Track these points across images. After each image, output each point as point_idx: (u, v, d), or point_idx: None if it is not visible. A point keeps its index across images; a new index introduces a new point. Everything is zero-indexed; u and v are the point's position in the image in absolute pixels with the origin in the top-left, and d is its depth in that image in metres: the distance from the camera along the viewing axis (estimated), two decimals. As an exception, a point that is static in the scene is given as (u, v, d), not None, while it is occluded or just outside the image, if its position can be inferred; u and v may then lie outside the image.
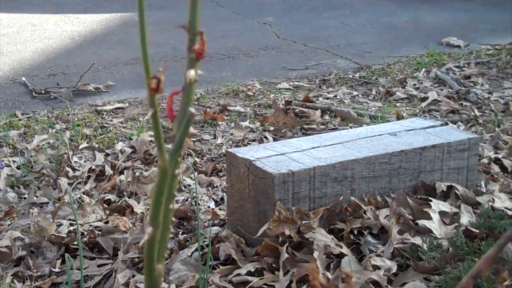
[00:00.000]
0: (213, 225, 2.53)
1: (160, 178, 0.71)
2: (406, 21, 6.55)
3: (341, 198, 2.25)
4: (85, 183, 3.02)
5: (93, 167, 3.15)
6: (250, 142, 3.53)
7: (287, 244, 2.11)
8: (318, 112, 3.95)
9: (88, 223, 2.59)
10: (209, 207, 2.77)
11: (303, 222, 2.14)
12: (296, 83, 4.65)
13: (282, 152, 2.32)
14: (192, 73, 0.68)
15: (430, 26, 6.42)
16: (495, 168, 3.05)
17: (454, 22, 6.56)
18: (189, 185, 2.97)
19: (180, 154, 0.71)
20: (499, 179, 2.89)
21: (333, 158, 2.27)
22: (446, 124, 2.84)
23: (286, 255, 2.08)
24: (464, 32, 6.13)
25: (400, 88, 4.58)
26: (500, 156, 3.18)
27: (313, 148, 2.37)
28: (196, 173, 3.01)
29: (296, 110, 3.96)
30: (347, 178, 2.28)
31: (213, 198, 2.87)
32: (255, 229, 2.19)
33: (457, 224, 2.25)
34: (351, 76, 4.83)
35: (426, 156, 2.44)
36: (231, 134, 3.65)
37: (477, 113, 4.03)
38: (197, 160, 3.30)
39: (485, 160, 3.11)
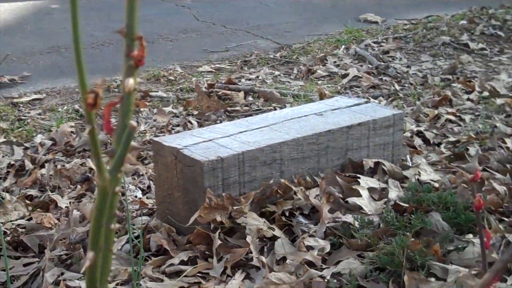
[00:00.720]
0: (141, 215, 2.47)
1: (100, 198, 0.67)
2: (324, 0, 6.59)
3: (271, 181, 2.24)
4: (5, 179, 2.91)
5: (12, 162, 3.04)
6: (174, 128, 3.48)
7: (219, 231, 2.09)
8: (241, 94, 3.93)
9: (11, 221, 2.49)
10: (136, 196, 2.72)
11: (234, 207, 2.12)
12: (217, 65, 4.61)
13: (210, 138, 2.29)
14: (131, 81, 0.63)
15: (348, 3, 6.48)
16: (418, 141, 3.10)
17: (370, -1, 6.64)
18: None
19: (120, 171, 0.66)
20: (423, 151, 2.95)
21: (261, 142, 2.26)
22: (369, 101, 2.86)
23: (219, 242, 2.05)
24: (380, 8, 6.22)
25: (321, 66, 4.60)
26: (422, 129, 3.24)
27: (241, 132, 2.35)
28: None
29: (219, 93, 3.93)
30: (276, 160, 2.27)
31: (139, 187, 2.82)
32: (186, 218, 2.15)
33: (386, 199, 2.28)
34: (272, 56, 4.82)
35: (352, 134, 2.45)
36: (154, 120, 3.58)
37: (397, 87, 4.10)
38: (122, 149, 3.22)
39: (408, 134, 3.16)
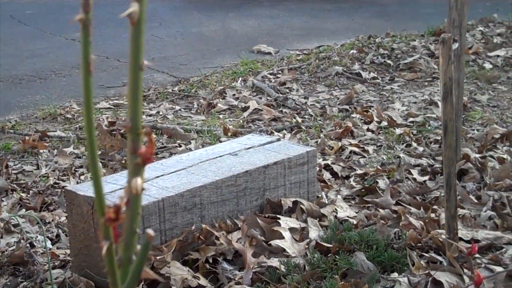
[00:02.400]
0: (53, 268, 2.35)
1: None
2: (215, 31, 6.60)
3: (193, 227, 2.18)
4: None
5: None
6: (77, 169, 3.36)
7: (142, 283, 2.01)
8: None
9: None
10: (45, 247, 2.58)
11: (157, 257, 2.05)
12: (115, 101, 4.50)
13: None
14: (138, 181, 0.58)
15: (239, 34, 6.53)
16: (327, 175, 3.14)
17: (261, 29, 6.71)
18: (19, 225, 2.75)
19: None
20: (333, 185, 2.98)
21: (181, 186, 2.20)
22: (281, 138, 2.87)
23: (143, 294, 1.98)
24: (272, 39, 6.30)
25: (220, 100, 4.59)
26: (329, 162, 3.28)
27: (158, 177, 2.29)
28: (24, 210, 2.80)
29: (122, 131, 3.82)
30: (196, 205, 2.22)
31: (48, 237, 2.68)
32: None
33: (308, 240, 2.27)
34: (170, 90, 4.77)
35: (269, 173, 2.44)
36: (56, 162, 3.44)
37: (299, 120, 4.14)
38: (23, 195, 3.07)
39: (317, 168, 3.19)
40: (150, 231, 0.59)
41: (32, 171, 3.35)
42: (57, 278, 2.22)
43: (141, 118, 0.57)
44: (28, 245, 2.54)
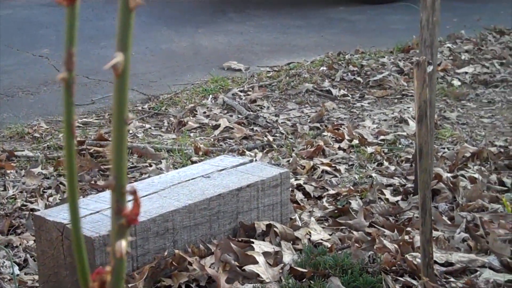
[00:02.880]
0: (21, 295, 2.29)
1: None
2: (185, 47, 6.57)
3: (165, 252, 2.14)
4: None
5: None
6: (45, 190, 3.29)
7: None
8: (114, 151, 3.79)
9: None
10: (12, 273, 2.52)
11: (129, 285, 2.01)
12: (84, 119, 4.44)
13: (97, 209, 2.17)
14: (123, 244, 0.54)
15: (209, 50, 6.50)
16: (299, 195, 3.12)
17: (231, 46, 6.69)
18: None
19: None
20: (305, 206, 2.96)
21: (153, 211, 2.17)
22: (253, 159, 2.84)
23: (114, 323, 1.93)
24: (242, 55, 6.28)
25: (191, 117, 4.56)
26: (301, 182, 3.26)
27: (129, 201, 2.24)
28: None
29: (91, 150, 3.77)
30: (168, 230, 2.18)
31: (15, 261, 2.62)
32: (76, 298, 2.01)
33: (282, 264, 2.25)
34: (140, 108, 4.72)
35: (242, 196, 2.42)
36: (23, 183, 3.37)
37: (270, 138, 4.13)
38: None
39: (289, 189, 3.17)
40: None
41: (-2, 193, 3.28)
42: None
43: (126, 176, 0.54)
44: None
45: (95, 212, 2.14)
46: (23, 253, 2.66)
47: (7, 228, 2.89)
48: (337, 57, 6.15)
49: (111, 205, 0.55)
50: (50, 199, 3.18)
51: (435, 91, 3.03)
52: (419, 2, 2.88)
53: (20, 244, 2.73)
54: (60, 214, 2.12)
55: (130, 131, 4.24)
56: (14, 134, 4.12)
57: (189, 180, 2.46)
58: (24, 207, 3.10)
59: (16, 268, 2.56)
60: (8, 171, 3.52)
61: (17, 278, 2.42)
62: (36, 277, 2.33)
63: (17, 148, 3.89)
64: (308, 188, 3.19)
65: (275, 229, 2.43)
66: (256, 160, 2.93)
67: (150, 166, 3.64)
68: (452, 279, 2.16)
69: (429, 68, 1.93)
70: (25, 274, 2.48)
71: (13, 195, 3.24)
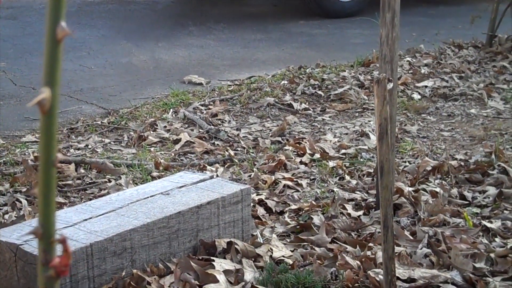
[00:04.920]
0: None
1: None
2: (145, 61, 6.51)
3: (123, 272, 2.09)
4: None
5: None
6: (1, 208, 3.20)
7: (70, 334, 1.90)
8: (72, 166, 3.72)
9: None
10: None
11: (86, 306, 1.95)
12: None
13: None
14: None
15: (169, 64, 6.45)
16: (261, 210, 3.08)
17: (191, 59, 6.66)
18: None
19: None
20: (267, 221, 2.93)
21: (110, 230, 2.11)
22: (214, 176, 2.80)
23: None
24: (203, 69, 6.25)
25: (151, 132, 4.50)
26: (263, 197, 3.23)
27: (85, 220, 2.19)
28: None
29: (48, 167, 3.68)
30: (126, 249, 2.13)
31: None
32: (31, 322, 1.94)
33: (243, 282, 2.21)
34: (99, 122, 4.65)
35: (202, 213, 2.38)
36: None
37: (232, 152, 4.09)
38: None
39: (251, 206, 3.13)
40: None
41: (-50, 211, 3.18)
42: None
43: (54, 223, 0.49)
44: None
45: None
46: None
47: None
48: (298, 71, 6.15)
49: (38, 255, 0.51)
50: (6, 216, 3.09)
51: (396, 106, 3.03)
52: (379, 17, 2.88)
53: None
54: (13, 234, 2.05)
55: (89, 146, 4.16)
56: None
57: (148, 197, 2.41)
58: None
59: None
60: (-38, 188, 3.42)
61: (-30, 300, 2.34)
62: (-11, 299, 2.25)
63: None
64: (270, 203, 3.16)
65: (236, 246, 2.39)
66: (217, 176, 2.89)
67: (110, 181, 3.57)
68: (414, 296, 2.15)
69: (389, 85, 1.92)
70: (-22, 296, 2.40)
71: None
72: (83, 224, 2.15)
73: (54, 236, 0.50)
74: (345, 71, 6.07)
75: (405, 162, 3.86)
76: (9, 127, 4.47)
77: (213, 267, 2.24)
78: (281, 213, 3.09)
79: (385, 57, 2.87)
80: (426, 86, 5.67)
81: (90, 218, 2.20)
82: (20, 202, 3.22)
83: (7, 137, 4.29)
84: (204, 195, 2.43)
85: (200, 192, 2.46)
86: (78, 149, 4.13)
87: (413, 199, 2.99)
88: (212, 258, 2.30)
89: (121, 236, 2.10)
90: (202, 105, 5.09)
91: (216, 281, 2.17)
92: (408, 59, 6.45)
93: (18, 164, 3.78)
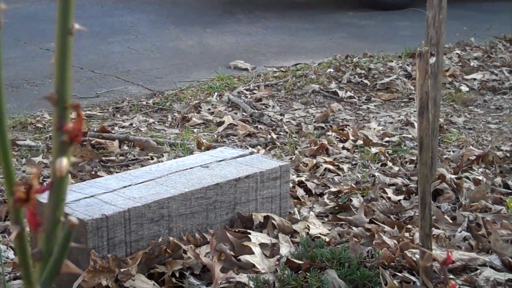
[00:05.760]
0: (15, 279, 2.26)
1: None
2: (192, 45, 6.55)
3: (160, 239, 2.11)
4: None
5: None
6: (45, 179, 3.26)
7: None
8: (116, 143, 3.76)
9: None
10: (7, 257, 2.49)
11: (121, 270, 1.97)
12: (88, 112, 4.42)
13: (92, 194, 2.13)
14: (64, 162, 0.51)
15: (216, 50, 6.47)
16: (300, 192, 3.07)
17: (238, 46, 6.67)
18: (-19, 234, 2.65)
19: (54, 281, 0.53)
20: (306, 202, 2.92)
21: (148, 197, 2.13)
22: (253, 152, 2.80)
23: (105, 308, 1.90)
24: (249, 55, 6.26)
25: (195, 114, 4.53)
26: (303, 179, 3.22)
27: (125, 187, 2.21)
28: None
29: (93, 142, 3.74)
30: (163, 217, 2.14)
31: (11, 247, 2.59)
32: (68, 282, 1.98)
33: (278, 256, 2.21)
34: (144, 102, 4.69)
35: (240, 187, 2.38)
36: (24, 172, 3.34)
37: (274, 136, 4.09)
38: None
39: (290, 184, 3.13)
40: (72, 218, 0.52)
41: (-2, 180, 3.26)
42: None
43: (70, 90, 0.50)
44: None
45: (90, 196, 2.11)
46: (18, 239, 2.63)
47: (5, 214, 2.86)
48: (344, 60, 6.12)
49: (53, 121, 0.51)
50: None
51: (441, 90, 2.99)
52: (428, 4, 2.84)
53: (16, 230, 2.70)
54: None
55: (133, 125, 4.21)
56: (17, 124, 4.10)
57: (187, 169, 2.42)
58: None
59: (11, 252, 2.53)
60: (8, 160, 3.49)
61: (12, 262, 2.39)
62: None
63: (19, 137, 3.86)
64: (310, 185, 3.15)
65: (273, 221, 2.39)
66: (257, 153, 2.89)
67: (152, 159, 3.60)
68: (451, 276, 2.12)
69: (432, 60, 1.89)
70: (19, 259, 2.45)
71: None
72: (122, 190, 2.18)
73: (69, 102, 0.50)
74: (392, 61, 6.01)
75: (449, 151, 3.80)
76: (57, 104, 4.53)
77: (249, 239, 2.25)
78: (321, 195, 3.08)
79: (431, 39, 2.83)
80: (474, 79, 5.58)
81: (130, 185, 2.23)
82: (64, 174, 3.27)
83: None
84: (242, 169, 2.43)
85: (239, 167, 2.47)
86: (123, 127, 4.17)
87: (455, 186, 2.95)
88: (248, 231, 2.30)
89: (159, 203, 2.12)
90: (246, 89, 5.10)
91: (251, 253, 2.18)
92: (458, 51, 6.36)
93: (63, 139, 3.84)
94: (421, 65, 1.87)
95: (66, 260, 0.53)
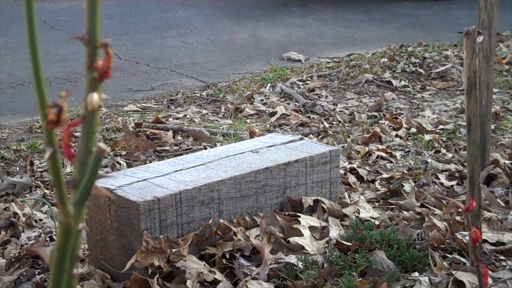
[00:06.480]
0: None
1: (62, 238, 0.57)
2: (245, 38, 6.59)
3: (210, 221, 2.15)
4: None
5: None
6: (102, 169, 3.34)
7: (157, 276, 1.98)
8: (170, 133, 3.83)
9: None
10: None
11: (173, 250, 2.02)
12: (143, 104, 4.51)
13: (144, 178, 2.19)
14: (95, 97, 0.55)
15: (269, 42, 6.51)
16: (352, 178, 3.08)
17: (291, 38, 6.68)
18: (41, 220, 2.75)
19: (86, 205, 0.57)
20: (358, 188, 2.92)
21: (198, 181, 2.17)
22: (304, 138, 2.82)
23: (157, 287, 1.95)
24: (302, 47, 6.27)
25: (248, 104, 4.56)
26: (355, 166, 3.22)
27: (176, 171, 2.26)
28: (49, 206, 2.79)
29: (147, 132, 3.82)
30: (214, 200, 2.18)
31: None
32: (121, 263, 2.04)
33: (327, 238, 2.22)
34: (198, 94, 4.76)
35: (290, 171, 2.40)
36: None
37: (326, 125, 4.10)
38: (47, 191, 3.07)
39: (341, 171, 3.14)
40: (102, 145, 0.56)
41: (57, 169, 3.35)
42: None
43: (99, 30, 0.54)
44: (48, 238, 2.53)
45: (142, 180, 2.17)
46: (76, 225, 2.71)
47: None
48: (399, 50, 6.07)
49: (84, 59, 0.55)
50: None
51: (493, 74, 2.95)
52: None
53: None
54: (108, 181, 2.15)
55: (187, 116, 4.27)
56: (75, 117, 4.21)
57: (237, 154, 2.46)
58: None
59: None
60: (67, 150, 3.59)
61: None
62: (86, 246, 2.37)
63: (77, 129, 3.96)
64: (362, 171, 3.15)
65: (322, 205, 2.41)
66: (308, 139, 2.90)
67: (205, 148, 3.65)
68: (502, 258, 2.10)
69: (479, 38, 1.87)
70: (76, 243, 2.53)
71: (70, 171, 3.31)
72: (173, 174, 2.23)
73: (99, 41, 0.54)
74: (448, 50, 5.93)
75: (505, 138, 3.74)
76: (113, 97, 4.65)
77: (299, 222, 2.27)
78: (372, 181, 3.07)
79: (483, 22, 2.80)
80: (532, 66, 5.47)
81: (181, 169, 2.28)
82: (120, 164, 3.35)
83: (111, 106, 4.47)
84: (292, 154, 2.46)
85: (288, 152, 2.49)
86: (177, 118, 4.24)
87: (509, 171, 2.91)
88: (298, 214, 2.33)
89: (209, 186, 2.16)
90: (299, 80, 5.12)
91: (301, 235, 2.20)
92: (516, 39, 6.24)
93: (119, 131, 3.93)
94: (468, 44, 1.86)
95: (97, 185, 0.57)
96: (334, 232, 2.27)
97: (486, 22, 2.81)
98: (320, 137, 3.84)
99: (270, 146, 2.56)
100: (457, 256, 2.11)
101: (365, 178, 3.10)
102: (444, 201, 2.67)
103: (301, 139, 2.70)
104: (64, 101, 0.53)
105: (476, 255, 0.85)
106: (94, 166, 0.55)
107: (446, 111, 4.47)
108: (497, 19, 2.89)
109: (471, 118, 1.90)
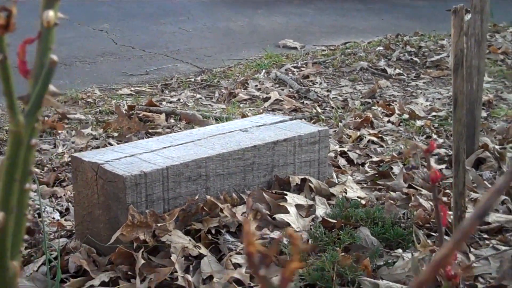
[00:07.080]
0: (60, 237, 2.34)
1: (13, 147, 0.58)
2: (242, 26, 6.59)
3: (197, 197, 2.16)
4: None
5: None
6: (93, 150, 3.35)
7: (142, 250, 1.99)
8: (163, 116, 3.84)
9: None
10: (53, 218, 2.58)
11: (158, 225, 2.03)
12: (137, 88, 4.51)
13: (132, 153, 2.19)
14: (50, 14, 0.55)
15: (266, 30, 6.51)
16: (342, 161, 3.09)
17: (288, 26, 6.69)
18: (30, 197, 2.75)
19: (37, 118, 0.58)
20: (347, 171, 2.93)
21: (186, 157, 2.18)
22: (294, 118, 2.83)
23: (142, 261, 1.96)
24: (299, 35, 6.27)
25: (242, 90, 4.57)
26: (345, 149, 3.24)
27: (164, 148, 2.27)
28: (37, 184, 2.80)
29: (140, 115, 3.83)
30: (201, 176, 2.19)
31: (57, 209, 2.68)
32: (107, 237, 2.04)
33: (313, 216, 2.24)
34: (193, 79, 4.76)
35: (278, 150, 2.41)
36: (73, 143, 3.45)
37: (319, 110, 4.11)
38: (37, 170, 3.08)
39: (332, 154, 3.15)
40: (53, 57, 0.56)
41: (48, 150, 3.36)
42: (62, 246, 2.21)
43: None
44: (36, 215, 2.54)
45: (130, 155, 2.17)
46: (66, 203, 2.73)
47: (53, 181, 2.96)
48: (395, 39, 6.07)
49: None
50: (96, 156, 3.23)
51: (484, 59, 2.95)
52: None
53: (64, 195, 2.80)
54: (96, 156, 2.15)
55: (181, 100, 4.28)
56: (68, 99, 4.22)
57: (226, 133, 2.47)
58: (70, 163, 3.16)
59: (57, 214, 2.62)
60: (59, 131, 3.60)
61: (57, 222, 2.48)
62: (74, 221, 2.38)
63: (70, 111, 3.97)
64: (352, 155, 3.16)
65: (310, 184, 2.42)
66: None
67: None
68: (486, 236, 2.11)
69: (467, 17, 1.88)
70: (65, 220, 2.54)
71: (61, 152, 3.32)
72: (162, 151, 2.23)
73: None
74: (444, 39, 5.94)
75: (496, 124, 3.76)
76: (107, 81, 4.65)
77: (286, 200, 2.28)
78: (362, 164, 3.09)
79: (475, 7, 2.81)
80: (527, 56, 5.48)
81: (169, 146, 2.28)
82: (111, 145, 3.36)
83: (105, 90, 4.47)
84: (281, 133, 2.46)
85: (277, 131, 2.50)
86: (171, 102, 4.25)
87: (498, 155, 2.92)
88: (285, 192, 2.33)
89: (197, 162, 2.16)
90: (294, 67, 5.12)
91: (287, 212, 2.21)
92: None
93: (112, 113, 3.93)
94: (456, 22, 1.87)
95: (48, 97, 0.57)
96: (321, 210, 2.28)
97: (478, 7, 2.81)
98: (312, 121, 3.85)
99: (259, 126, 2.57)
100: (441, 235, 2.12)
101: (355, 161, 3.11)
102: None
103: (291, 119, 2.70)
104: (14, 5, 0.53)
105: (435, 195, 0.86)
106: (46, 78, 0.56)
107: (439, 98, 4.48)
108: (489, 4, 2.90)
109: (457, 96, 1.91)
